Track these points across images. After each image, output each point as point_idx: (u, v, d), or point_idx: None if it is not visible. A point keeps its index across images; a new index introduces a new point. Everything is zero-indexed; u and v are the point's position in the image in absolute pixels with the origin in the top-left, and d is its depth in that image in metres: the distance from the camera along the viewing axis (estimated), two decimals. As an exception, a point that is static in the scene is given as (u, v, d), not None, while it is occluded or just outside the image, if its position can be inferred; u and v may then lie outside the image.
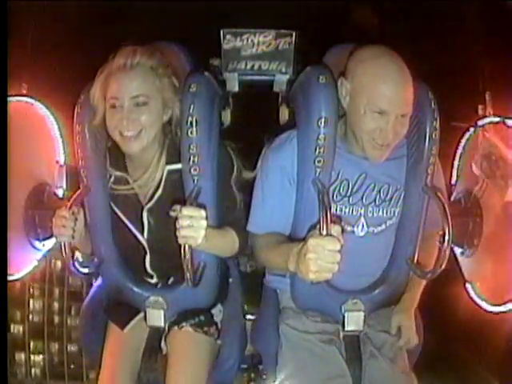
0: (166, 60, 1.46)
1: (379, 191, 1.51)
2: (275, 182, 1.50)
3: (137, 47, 1.41)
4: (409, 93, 1.36)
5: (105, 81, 1.40)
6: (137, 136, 1.40)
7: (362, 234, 1.52)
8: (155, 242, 1.53)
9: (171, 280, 1.60)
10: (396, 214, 1.54)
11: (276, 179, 1.49)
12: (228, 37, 1.80)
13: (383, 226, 1.53)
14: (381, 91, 1.34)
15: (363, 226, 1.51)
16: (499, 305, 1.74)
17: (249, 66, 1.83)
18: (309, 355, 1.51)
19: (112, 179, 1.52)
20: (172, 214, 1.31)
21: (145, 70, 1.40)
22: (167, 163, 1.50)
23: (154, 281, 1.60)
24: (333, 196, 1.49)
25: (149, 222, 1.51)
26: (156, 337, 1.59)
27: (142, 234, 1.53)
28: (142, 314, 1.60)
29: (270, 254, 1.46)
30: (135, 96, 1.38)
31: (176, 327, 1.59)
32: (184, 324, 1.59)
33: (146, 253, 1.55)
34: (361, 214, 1.51)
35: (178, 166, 1.46)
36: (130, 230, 1.53)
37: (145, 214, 1.51)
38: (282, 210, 1.50)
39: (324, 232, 1.15)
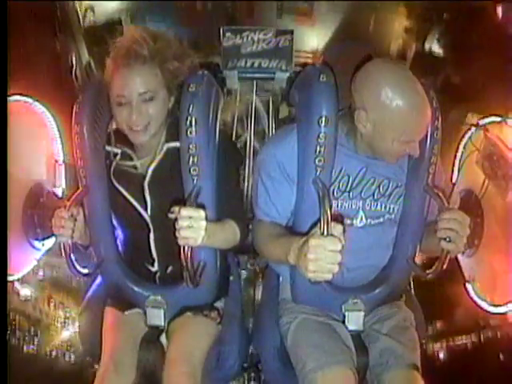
0: (162, 42, 1.43)
1: (379, 186, 1.51)
2: (273, 175, 1.50)
3: (133, 40, 1.39)
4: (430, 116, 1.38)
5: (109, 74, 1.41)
6: (145, 128, 1.42)
7: (360, 225, 1.52)
8: (157, 218, 1.53)
9: (170, 269, 1.59)
10: (395, 210, 1.53)
11: (273, 172, 1.50)
12: (228, 34, 1.79)
13: (381, 219, 1.53)
14: (412, 125, 1.35)
15: (362, 218, 1.52)
16: (499, 305, 1.74)
17: (249, 64, 1.82)
18: (319, 326, 1.51)
19: (119, 156, 1.53)
20: (171, 216, 1.30)
21: (147, 63, 1.40)
22: (167, 141, 1.51)
23: (154, 269, 1.59)
24: (333, 192, 1.49)
25: (150, 198, 1.52)
26: (154, 332, 1.58)
27: (146, 210, 1.53)
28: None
29: (271, 245, 1.46)
30: (142, 93, 1.39)
31: (176, 318, 1.59)
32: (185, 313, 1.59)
33: (149, 231, 1.55)
34: (359, 207, 1.51)
35: (177, 144, 1.46)
36: (134, 208, 1.53)
37: (146, 190, 1.52)
38: (282, 200, 1.51)
39: (325, 232, 1.15)
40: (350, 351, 1.48)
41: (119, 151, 1.53)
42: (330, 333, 1.51)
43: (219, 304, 1.66)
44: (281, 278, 1.69)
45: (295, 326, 1.55)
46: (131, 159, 1.53)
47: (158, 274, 1.60)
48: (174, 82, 1.45)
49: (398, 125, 1.34)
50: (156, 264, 1.59)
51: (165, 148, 1.51)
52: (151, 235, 1.55)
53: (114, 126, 1.53)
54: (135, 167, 1.53)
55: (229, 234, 1.50)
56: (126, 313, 1.59)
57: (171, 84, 1.45)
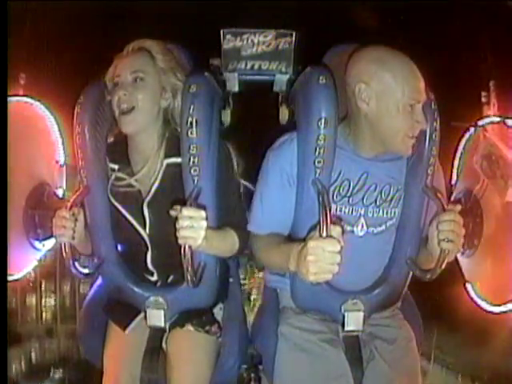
0: (171, 54, 1.54)
1: (380, 192, 1.51)
2: (275, 183, 1.50)
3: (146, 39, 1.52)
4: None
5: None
6: (130, 111, 1.45)
7: (361, 233, 1.51)
8: (156, 237, 1.53)
9: (171, 278, 1.60)
10: (396, 214, 1.53)
11: (276, 180, 1.49)
12: (228, 37, 1.80)
13: (383, 227, 1.53)
14: (411, 83, 1.37)
15: (363, 226, 1.51)
16: (499, 305, 1.74)
17: (249, 66, 1.82)
18: (307, 357, 1.50)
19: (113, 177, 1.53)
20: (172, 213, 1.31)
21: (145, 53, 1.49)
22: (166, 157, 1.51)
23: (154, 278, 1.60)
24: (333, 196, 1.48)
25: (149, 217, 1.52)
26: (157, 337, 1.59)
27: (144, 228, 1.53)
28: (142, 315, 1.59)
29: (270, 254, 1.46)
30: (133, 71, 1.46)
31: (178, 327, 1.59)
32: (185, 324, 1.59)
33: (147, 249, 1.55)
34: (361, 214, 1.50)
35: (178, 159, 1.46)
36: (132, 225, 1.53)
37: (145, 208, 1.52)
38: (282, 210, 1.49)
39: (324, 233, 1.15)
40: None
41: (116, 167, 1.53)
42: (319, 365, 1.49)
43: (219, 313, 1.66)
44: (278, 290, 1.69)
45: (284, 352, 1.53)
46: (124, 179, 1.53)
47: (159, 283, 1.61)
48: (172, 83, 1.50)
49: (399, 84, 1.36)
50: (155, 275, 1.60)
51: (164, 164, 1.51)
52: (149, 253, 1.55)
53: (110, 140, 1.55)
54: (131, 185, 1.53)
55: (228, 242, 1.50)
56: (127, 331, 1.58)
57: (167, 80, 1.50)
